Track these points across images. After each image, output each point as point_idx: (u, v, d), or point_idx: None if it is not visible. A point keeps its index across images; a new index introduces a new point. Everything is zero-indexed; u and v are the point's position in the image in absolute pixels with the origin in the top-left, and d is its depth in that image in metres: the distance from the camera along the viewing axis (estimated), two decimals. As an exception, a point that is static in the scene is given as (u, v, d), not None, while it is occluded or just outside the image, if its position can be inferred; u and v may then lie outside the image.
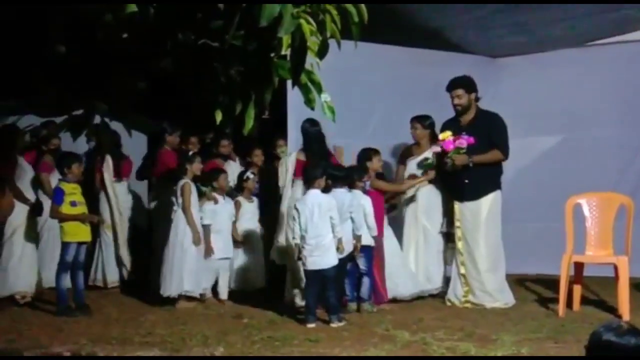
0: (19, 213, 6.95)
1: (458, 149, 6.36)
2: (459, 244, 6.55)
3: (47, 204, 6.88)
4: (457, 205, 6.56)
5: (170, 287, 6.76)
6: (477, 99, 6.57)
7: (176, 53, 2.45)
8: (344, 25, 2.54)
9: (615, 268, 5.98)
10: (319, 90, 2.63)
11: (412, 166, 6.98)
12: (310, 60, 2.63)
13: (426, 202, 6.91)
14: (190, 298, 6.85)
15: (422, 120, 6.97)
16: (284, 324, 6.00)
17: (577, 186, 6.67)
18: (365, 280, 6.38)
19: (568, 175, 6.81)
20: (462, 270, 6.53)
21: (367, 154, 6.66)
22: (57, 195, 6.55)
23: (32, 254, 7.00)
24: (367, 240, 6.33)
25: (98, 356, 5.15)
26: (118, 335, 5.67)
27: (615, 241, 6.16)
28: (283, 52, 2.49)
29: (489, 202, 6.44)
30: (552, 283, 6.39)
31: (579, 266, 6.27)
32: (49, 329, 5.98)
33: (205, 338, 5.52)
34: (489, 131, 6.46)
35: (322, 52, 2.44)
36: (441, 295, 6.80)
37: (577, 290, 6.29)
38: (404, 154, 7.10)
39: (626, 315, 5.68)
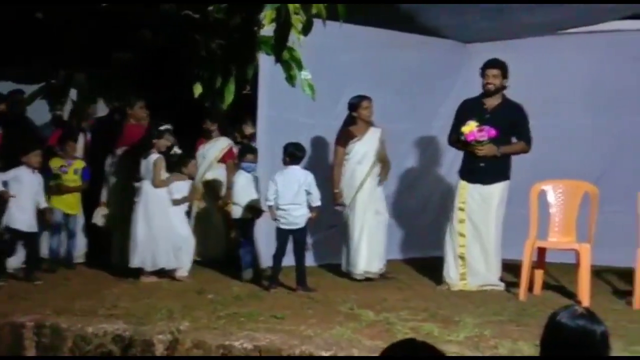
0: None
1: (477, 142, 6.32)
2: (460, 226, 6.49)
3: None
4: (465, 186, 6.50)
5: (140, 261, 6.74)
6: (504, 87, 6.52)
7: (157, 24, 2.42)
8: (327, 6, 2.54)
9: (577, 255, 6.09)
10: (300, 67, 2.63)
11: (357, 149, 6.91)
12: (291, 36, 2.62)
13: (374, 188, 6.95)
14: (154, 272, 6.84)
15: (371, 101, 6.95)
16: (249, 300, 6.03)
17: (544, 173, 6.76)
18: (247, 250, 6.87)
19: (535, 162, 6.90)
20: (461, 252, 6.49)
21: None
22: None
23: None
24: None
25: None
26: (82, 307, 5.64)
27: (578, 228, 6.27)
28: (266, 27, 2.48)
29: (500, 190, 6.44)
30: (514, 267, 6.48)
31: (541, 252, 6.37)
32: (12, 299, 5.93)
33: (170, 312, 5.52)
34: (514, 121, 6.44)
35: (306, 29, 2.44)
36: (386, 275, 6.92)
37: (539, 275, 6.39)
38: (344, 136, 6.97)
39: (586, 301, 5.79)
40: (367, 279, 6.86)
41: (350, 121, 7.00)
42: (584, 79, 7.81)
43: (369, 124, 6.99)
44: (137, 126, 7.51)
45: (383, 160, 7.05)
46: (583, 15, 7.40)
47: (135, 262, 6.75)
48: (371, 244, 6.89)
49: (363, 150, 6.94)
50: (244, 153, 7.06)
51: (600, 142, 7.78)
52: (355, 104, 6.93)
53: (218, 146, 7.81)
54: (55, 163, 7.33)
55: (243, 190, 6.89)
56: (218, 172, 7.74)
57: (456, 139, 6.55)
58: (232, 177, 7.15)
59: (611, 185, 7.06)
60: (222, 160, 7.78)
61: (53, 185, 7.24)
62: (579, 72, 7.81)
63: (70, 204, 7.36)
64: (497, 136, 6.33)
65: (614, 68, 7.70)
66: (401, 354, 2.26)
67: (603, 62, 7.74)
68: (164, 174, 6.88)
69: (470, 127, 6.34)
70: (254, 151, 7.05)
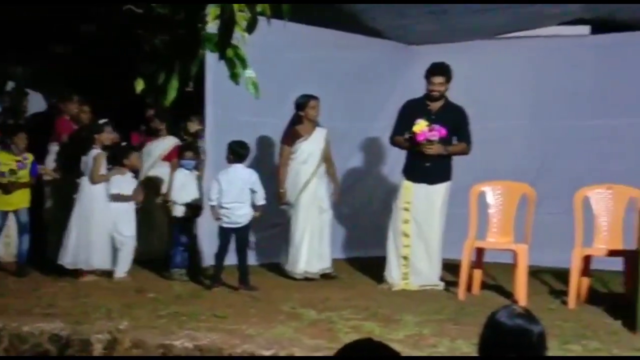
0: None
1: (430, 141, 6.39)
2: (405, 226, 6.55)
3: None
4: (410, 186, 6.55)
5: (73, 260, 6.62)
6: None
7: (99, 18, 2.39)
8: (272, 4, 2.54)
9: (515, 255, 6.21)
10: (244, 65, 2.62)
11: (303, 148, 6.89)
12: (236, 34, 2.61)
13: (319, 188, 6.94)
14: (93, 271, 6.73)
15: (318, 101, 6.92)
16: (190, 299, 5.99)
17: (483, 174, 6.88)
18: (178, 250, 6.82)
19: (475, 163, 7.02)
20: (405, 252, 6.55)
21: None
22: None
23: None
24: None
25: None
26: (19, 306, 5.52)
27: (516, 229, 6.40)
28: (210, 24, 2.46)
29: (444, 190, 6.52)
30: (454, 267, 6.57)
31: (480, 252, 6.48)
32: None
33: (109, 311, 5.44)
34: (457, 124, 6.51)
35: (251, 27, 2.43)
36: (330, 274, 6.90)
37: (478, 274, 6.50)
38: (291, 135, 6.91)
39: (522, 301, 5.91)
40: (307, 279, 6.86)
41: (296, 120, 6.98)
42: (522, 83, 8.00)
43: (315, 123, 6.99)
44: (68, 121, 7.42)
45: (328, 161, 7.06)
46: (522, 20, 7.57)
47: (66, 260, 6.62)
48: (312, 244, 6.88)
49: (309, 149, 6.93)
50: (183, 150, 7.06)
51: (537, 145, 7.96)
52: (302, 104, 6.91)
53: (164, 144, 7.75)
54: (5, 158, 6.80)
55: (182, 188, 6.85)
56: (162, 170, 7.68)
57: (401, 139, 6.62)
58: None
59: (548, 187, 7.24)
60: (167, 158, 7.73)
61: (6, 183, 6.76)
62: (517, 75, 7.99)
63: (18, 201, 6.87)
64: (447, 136, 6.43)
65: (551, 72, 7.91)
66: (358, 353, 2.26)
67: (540, 66, 7.94)
68: (104, 170, 6.77)
69: (420, 127, 6.39)
70: (193, 149, 7.04)
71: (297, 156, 6.93)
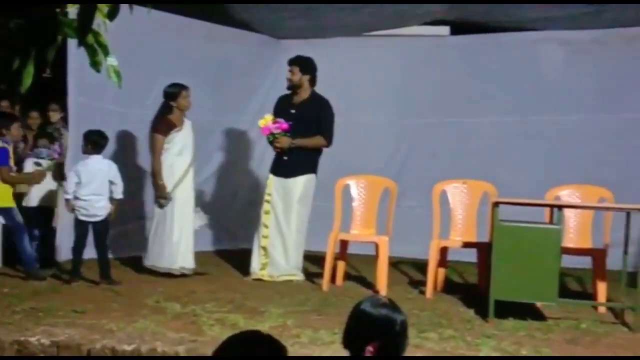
0: None
1: (272, 135, 6.50)
2: (265, 217, 6.62)
3: None
4: (271, 179, 6.65)
5: None
6: (312, 83, 6.64)
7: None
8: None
9: (376, 247, 6.40)
10: (106, 53, 2.55)
11: (177, 140, 6.65)
12: (97, 20, 2.54)
13: (193, 182, 6.82)
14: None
15: (189, 91, 6.71)
16: (48, 295, 5.78)
17: (351, 168, 7.04)
18: (35, 243, 6.67)
19: (342, 157, 7.17)
20: (264, 243, 6.62)
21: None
22: (4, 156, 6.30)
23: None
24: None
25: None
26: None
27: (378, 222, 6.59)
28: (70, 9, 2.39)
29: (302, 183, 6.57)
30: (320, 259, 6.69)
31: (344, 244, 6.63)
32: None
33: (-40, 308, 5.18)
34: (317, 116, 6.58)
35: (112, 14, 2.37)
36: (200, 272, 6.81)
37: (341, 266, 6.65)
38: (165, 124, 6.61)
39: (383, 291, 6.11)
40: (184, 275, 6.69)
41: (166, 111, 6.66)
42: (388, 80, 8.25)
43: (184, 114, 6.82)
44: None
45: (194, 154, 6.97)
46: (387, 19, 7.79)
47: None
48: (188, 239, 6.71)
49: (183, 141, 6.67)
50: (37, 139, 6.85)
51: (401, 141, 8.24)
52: (173, 93, 6.63)
53: None
54: None
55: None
56: None
57: None
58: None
59: (410, 181, 7.51)
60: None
61: None
62: (381, 73, 8.23)
63: None
64: (289, 129, 6.52)
65: (413, 71, 8.19)
66: (238, 345, 2.25)
67: (404, 65, 8.21)
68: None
69: (265, 121, 6.54)
70: (49, 138, 6.80)
71: (171, 147, 6.63)
